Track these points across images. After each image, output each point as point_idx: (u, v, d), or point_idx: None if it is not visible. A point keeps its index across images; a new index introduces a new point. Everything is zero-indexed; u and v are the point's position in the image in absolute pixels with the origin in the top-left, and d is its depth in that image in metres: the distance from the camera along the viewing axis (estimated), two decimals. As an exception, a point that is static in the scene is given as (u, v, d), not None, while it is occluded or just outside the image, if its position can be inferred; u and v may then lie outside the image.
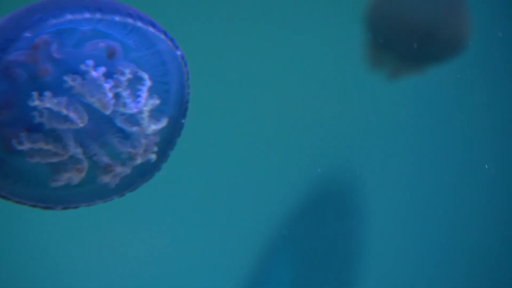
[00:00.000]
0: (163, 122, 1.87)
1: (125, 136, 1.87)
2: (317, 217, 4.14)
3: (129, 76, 1.80)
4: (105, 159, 1.85)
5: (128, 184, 1.96)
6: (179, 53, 1.86)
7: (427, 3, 3.72)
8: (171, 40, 1.84)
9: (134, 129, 1.84)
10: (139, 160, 1.87)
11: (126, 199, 3.65)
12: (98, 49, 1.84)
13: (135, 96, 1.82)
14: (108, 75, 1.81)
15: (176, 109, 1.92)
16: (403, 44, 3.76)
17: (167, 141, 1.94)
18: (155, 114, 1.86)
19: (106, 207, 3.65)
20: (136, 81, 1.83)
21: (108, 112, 1.79)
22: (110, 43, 1.84)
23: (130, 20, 1.76)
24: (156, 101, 1.84)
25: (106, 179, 1.87)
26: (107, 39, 1.85)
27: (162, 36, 1.82)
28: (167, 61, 1.89)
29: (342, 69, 3.96)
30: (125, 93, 1.80)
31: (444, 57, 3.81)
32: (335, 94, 4.02)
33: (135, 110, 1.81)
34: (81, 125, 1.78)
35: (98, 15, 1.73)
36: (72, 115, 1.76)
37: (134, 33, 1.84)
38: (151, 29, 1.80)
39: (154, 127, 1.85)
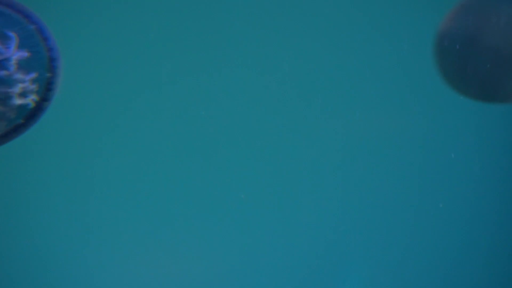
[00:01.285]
0: (32, 75, 2.21)
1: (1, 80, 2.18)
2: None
3: None
4: None
5: (13, 129, 2.29)
6: (38, 27, 2.26)
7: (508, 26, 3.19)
8: (31, 16, 2.25)
9: (3, 73, 2.17)
10: (16, 101, 2.20)
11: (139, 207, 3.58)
12: None
13: (5, 47, 2.17)
14: None
15: (46, 68, 2.27)
16: (479, 70, 3.22)
17: (43, 92, 2.27)
18: (25, 65, 2.20)
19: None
20: (4, 37, 2.17)
21: None
22: None
23: None
24: (25, 54, 2.20)
25: None
26: None
27: (24, 16, 2.23)
28: (33, 32, 2.24)
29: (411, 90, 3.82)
30: None
31: None
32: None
33: (5, 56, 2.15)
34: None
35: None
36: None
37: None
38: (11, 12, 2.22)
39: (21, 76, 2.19)
